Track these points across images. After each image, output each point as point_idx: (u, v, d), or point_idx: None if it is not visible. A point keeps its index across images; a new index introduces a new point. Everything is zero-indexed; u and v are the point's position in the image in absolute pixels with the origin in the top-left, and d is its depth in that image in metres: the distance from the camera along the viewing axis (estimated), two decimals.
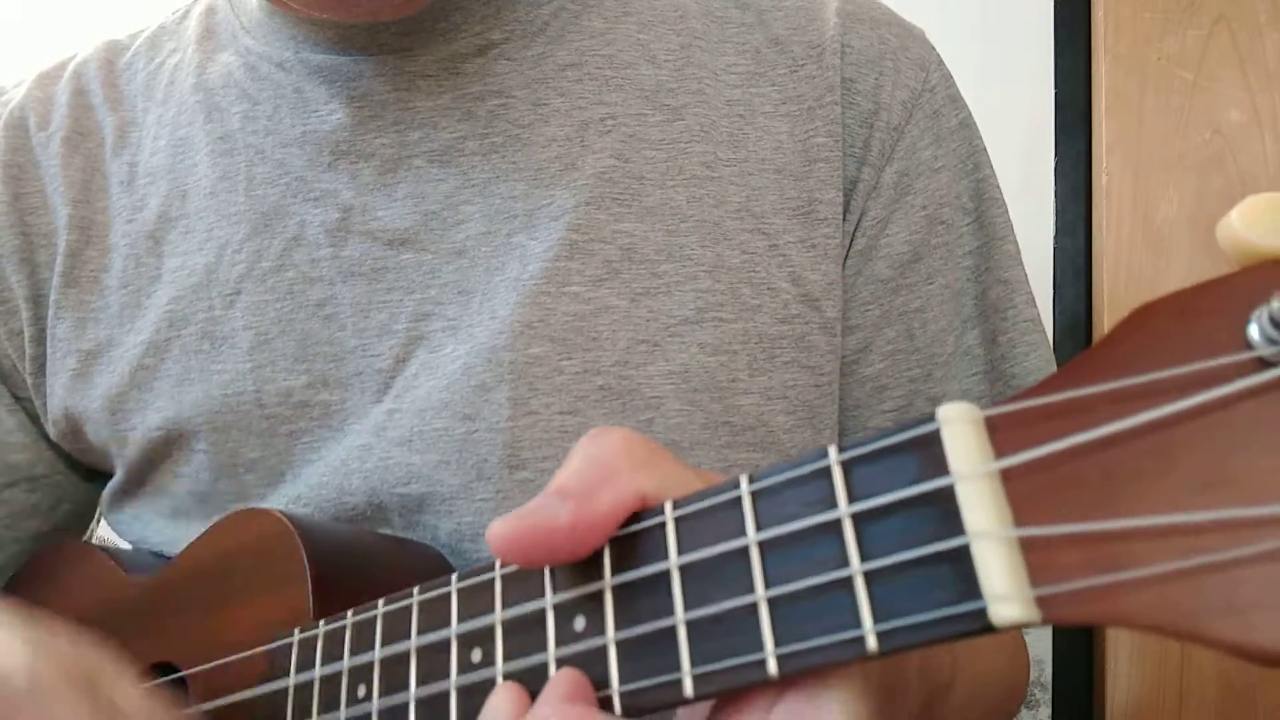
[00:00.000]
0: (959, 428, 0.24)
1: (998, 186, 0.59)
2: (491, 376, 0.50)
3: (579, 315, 0.51)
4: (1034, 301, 0.58)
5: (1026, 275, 0.59)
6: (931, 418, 0.24)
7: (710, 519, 0.28)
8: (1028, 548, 0.22)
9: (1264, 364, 0.20)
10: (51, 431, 0.60)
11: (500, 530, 0.30)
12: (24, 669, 0.34)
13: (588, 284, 0.51)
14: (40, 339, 0.59)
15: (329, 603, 0.44)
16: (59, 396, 0.58)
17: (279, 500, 0.54)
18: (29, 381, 0.60)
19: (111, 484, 0.60)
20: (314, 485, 0.52)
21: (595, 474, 0.31)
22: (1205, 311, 0.22)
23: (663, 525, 0.30)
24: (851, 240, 0.55)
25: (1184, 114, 1.09)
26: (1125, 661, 1.00)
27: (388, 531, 0.52)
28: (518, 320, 0.50)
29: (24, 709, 0.33)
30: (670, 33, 0.57)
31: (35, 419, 0.61)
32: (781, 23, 0.58)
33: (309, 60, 0.57)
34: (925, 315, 0.56)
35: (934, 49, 0.60)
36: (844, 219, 0.55)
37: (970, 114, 0.60)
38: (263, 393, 0.54)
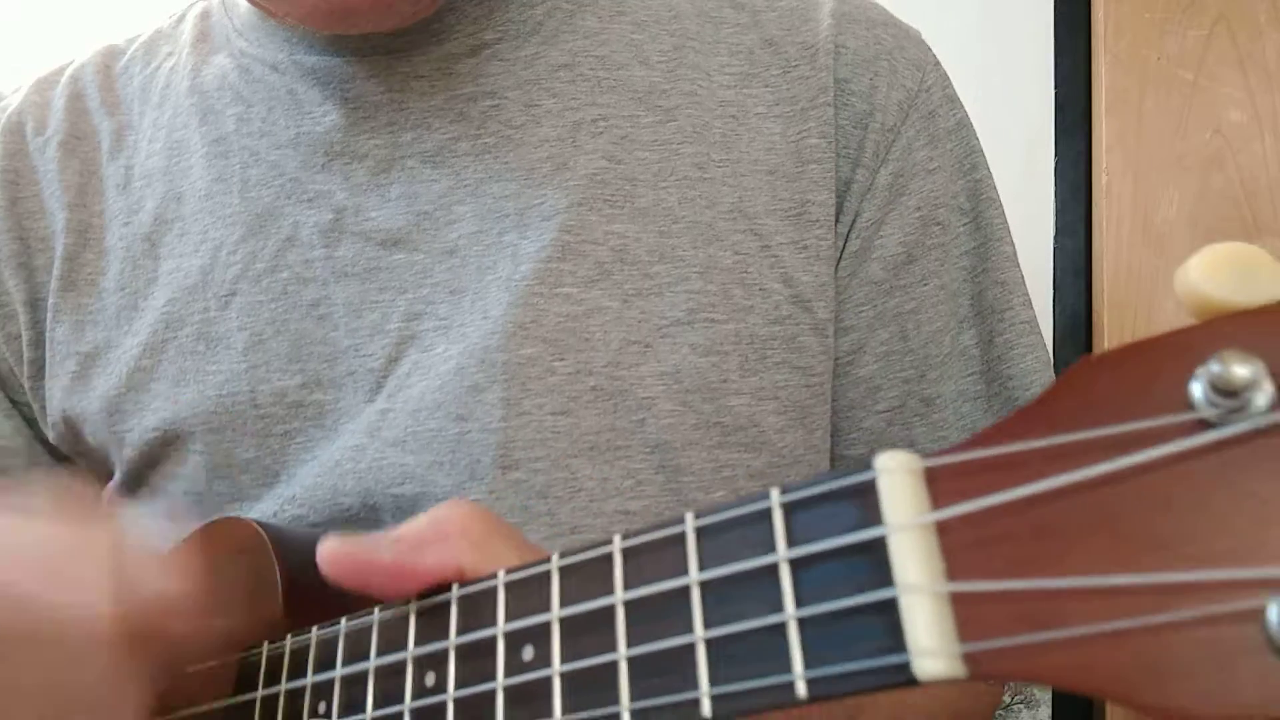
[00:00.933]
0: (896, 477, 0.23)
1: (994, 187, 0.59)
2: (484, 377, 0.50)
3: (571, 316, 0.51)
4: (1030, 303, 0.57)
5: (1023, 277, 0.58)
6: (869, 466, 0.24)
7: (656, 554, 0.28)
8: (958, 602, 0.22)
9: (1204, 425, 0.20)
10: (51, 435, 0.60)
11: (332, 547, 0.34)
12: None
13: (580, 285, 0.51)
14: (38, 343, 0.59)
15: (302, 613, 0.44)
16: (58, 400, 0.58)
17: (273, 501, 0.54)
18: (27, 385, 0.60)
19: (112, 486, 0.60)
20: (308, 486, 0.52)
21: (430, 534, 0.35)
22: (1150, 368, 0.21)
23: (609, 557, 0.29)
24: (845, 241, 0.55)
25: (1184, 114, 1.08)
26: None
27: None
28: (510, 321, 0.50)
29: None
30: (664, 33, 0.57)
31: (32, 423, 0.61)
32: (775, 23, 0.57)
33: (302, 62, 0.57)
34: (919, 316, 0.56)
35: (930, 50, 0.59)
36: (837, 220, 0.55)
37: (966, 115, 0.59)
38: (257, 393, 0.54)
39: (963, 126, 0.58)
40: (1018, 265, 0.58)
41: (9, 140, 0.62)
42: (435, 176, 0.54)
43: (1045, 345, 0.57)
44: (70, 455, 0.61)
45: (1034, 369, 0.56)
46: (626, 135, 0.54)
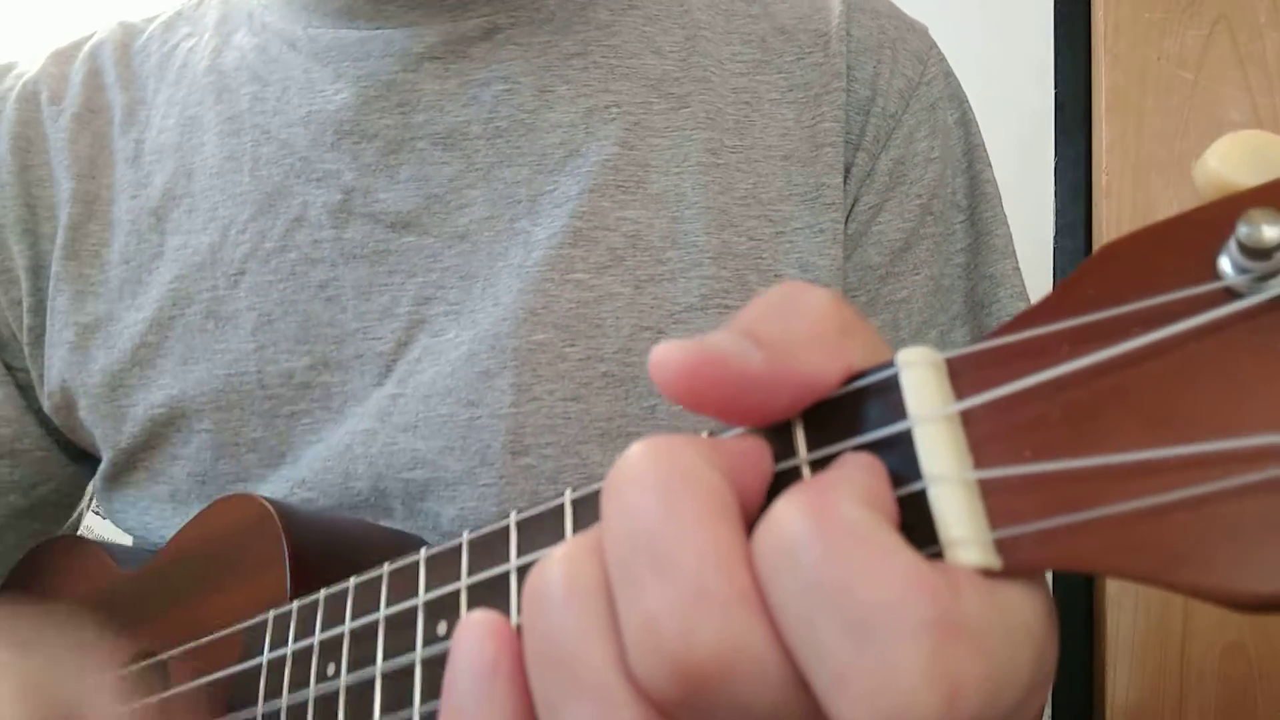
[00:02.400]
0: (918, 371, 0.23)
1: (993, 183, 0.59)
2: (495, 363, 0.50)
3: (582, 302, 0.51)
4: (1023, 295, 0.57)
5: (1017, 268, 0.58)
6: (891, 363, 0.23)
7: None
8: (987, 491, 0.21)
9: (1232, 294, 0.20)
10: (46, 405, 0.60)
11: (675, 355, 0.24)
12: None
13: (591, 271, 0.51)
14: (39, 309, 0.59)
15: (308, 586, 0.44)
16: (57, 369, 0.58)
17: (280, 482, 0.54)
18: (26, 351, 0.60)
19: (103, 470, 0.59)
20: (317, 470, 0.52)
21: (802, 331, 0.24)
22: (1174, 244, 0.21)
23: None
24: (844, 226, 0.55)
25: (1184, 114, 1.09)
26: (1125, 661, 0.99)
27: (388, 522, 0.52)
28: (521, 307, 0.50)
29: None
30: (675, 26, 0.57)
31: (26, 390, 0.61)
32: (787, 12, 0.58)
33: (318, 38, 0.57)
34: (910, 306, 0.56)
35: (935, 45, 0.60)
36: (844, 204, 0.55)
37: (971, 112, 0.60)
38: (264, 373, 0.54)
39: (965, 124, 0.59)
40: (1011, 257, 0.58)
41: (23, 108, 0.62)
42: (446, 159, 0.54)
43: None
44: (61, 429, 0.61)
45: None
46: (639, 121, 0.54)
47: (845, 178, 0.55)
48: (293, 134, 0.56)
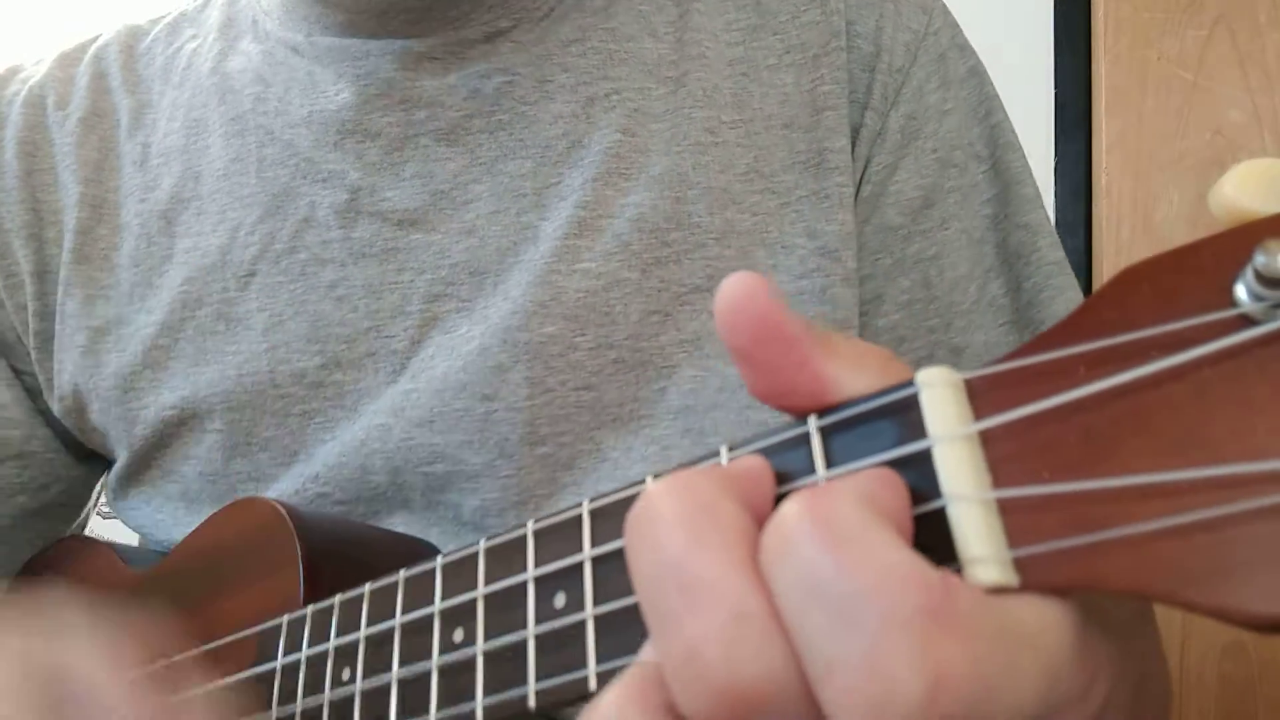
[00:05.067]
0: (938, 391, 0.23)
1: (1013, 131, 0.57)
2: (508, 357, 0.50)
3: (591, 291, 0.51)
4: (1059, 245, 0.55)
5: (1049, 217, 0.56)
6: (910, 382, 0.24)
7: None
8: (1006, 510, 0.22)
9: (1248, 321, 0.20)
10: (56, 408, 0.60)
11: (752, 293, 0.25)
12: None
13: (598, 259, 0.51)
14: (45, 314, 0.59)
15: (320, 590, 0.44)
16: (68, 373, 0.58)
17: (293, 479, 0.54)
18: (33, 356, 0.60)
19: (116, 470, 0.60)
20: (332, 465, 0.52)
21: (851, 353, 0.26)
22: (1192, 271, 0.21)
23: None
24: (858, 188, 0.54)
25: (1184, 114, 1.09)
26: None
27: (406, 513, 0.52)
28: (531, 300, 0.51)
29: None
30: (669, 2, 0.57)
31: (34, 394, 0.61)
32: None
33: (319, 43, 0.57)
34: (942, 263, 0.55)
35: None
36: (852, 167, 0.54)
37: (980, 63, 0.58)
38: (277, 374, 0.54)
39: (976, 74, 0.58)
40: (1041, 207, 0.56)
41: (29, 112, 0.62)
42: (449, 155, 0.54)
43: (1077, 286, 0.55)
44: (72, 431, 0.61)
45: (1067, 310, 0.54)
46: (639, 108, 0.54)
47: (854, 139, 0.54)
48: (296, 134, 0.56)
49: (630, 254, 0.52)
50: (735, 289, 0.26)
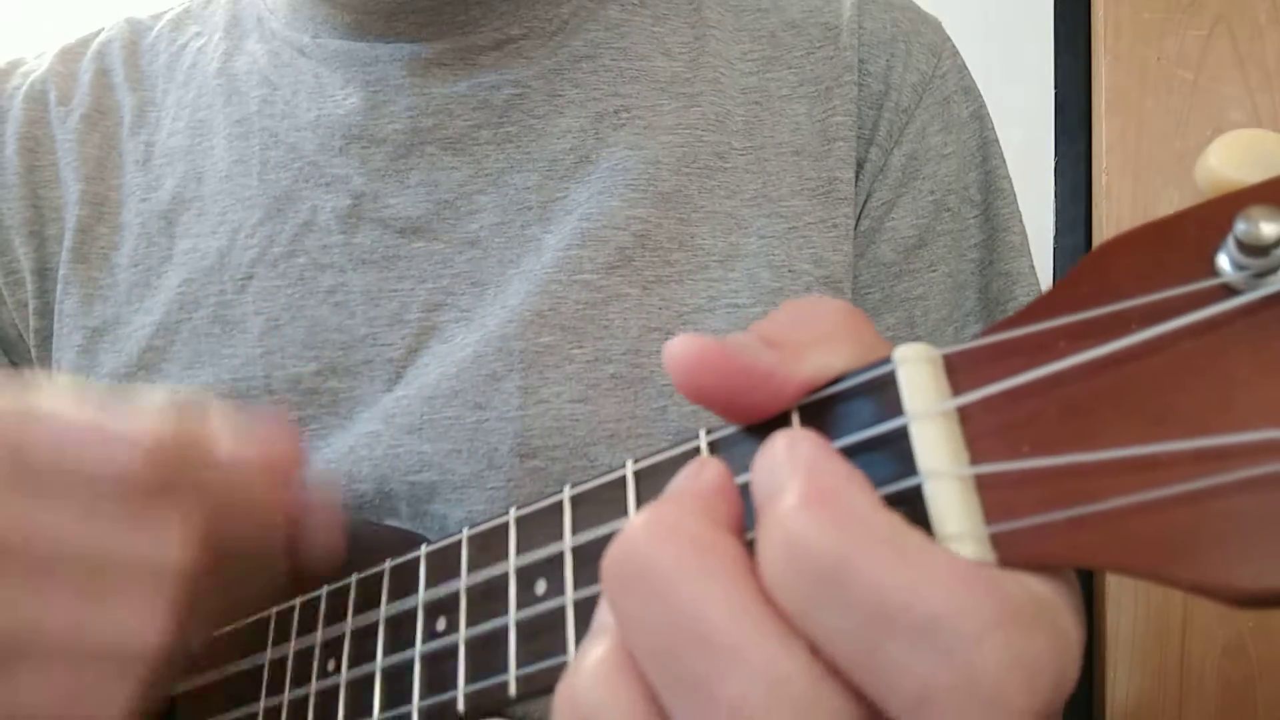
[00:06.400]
0: (915, 367, 0.23)
1: (1008, 178, 0.58)
2: (502, 365, 0.50)
3: (590, 303, 0.51)
4: (1040, 293, 0.57)
5: (1033, 267, 0.57)
6: (888, 359, 0.23)
7: (671, 474, 0.28)
8: (984, 486, 0.21)
9: (1229, 291, 0.20)
10: None
11: (689, 348, 0.25)
12: None
13: (599, 271, 0.51)
14: (45, 312, 0.59)
15: (310, 582, 0.44)
16: (66, 373, 0.58)
17: None
18: (33, 353, 0.60)
19: None
20: (320, 473, 0.52)
21: (811, 336, 0.26)
22: (1173, 241, 0.21)
23: (622, 481, 0.29)
24: (855, 222, 0.55)
25: (1184, 114, 1.09)
26: (1125, 661, 0.99)
27: (394, 521, 0.52)
28: (528, 309, 0.50)
29: None
30: (684, 25, 0.57)
31: None
32: (797, 6, 0.58)
33: (326, 45, 0.57)
34: (927, 304, 0.55)
35: (949, 39, 0.59)
36: (855, 200, 0.55)
37: (984, 107, 0.59)
38: (272, 379, 0.53)
39: (979, 118, 0.58)
40: (1026, 254, 0.57)
41: (31, 108, 0.61)
42: (455, 164, 0.54)
43: None
44: None
45: None
46: (649, 125, 0.54)
47: (857, 173, 0.55)
48: (301, 138, 0.56)
49: (632, 269, 0.51)
50: (669, 356, 0.25)
